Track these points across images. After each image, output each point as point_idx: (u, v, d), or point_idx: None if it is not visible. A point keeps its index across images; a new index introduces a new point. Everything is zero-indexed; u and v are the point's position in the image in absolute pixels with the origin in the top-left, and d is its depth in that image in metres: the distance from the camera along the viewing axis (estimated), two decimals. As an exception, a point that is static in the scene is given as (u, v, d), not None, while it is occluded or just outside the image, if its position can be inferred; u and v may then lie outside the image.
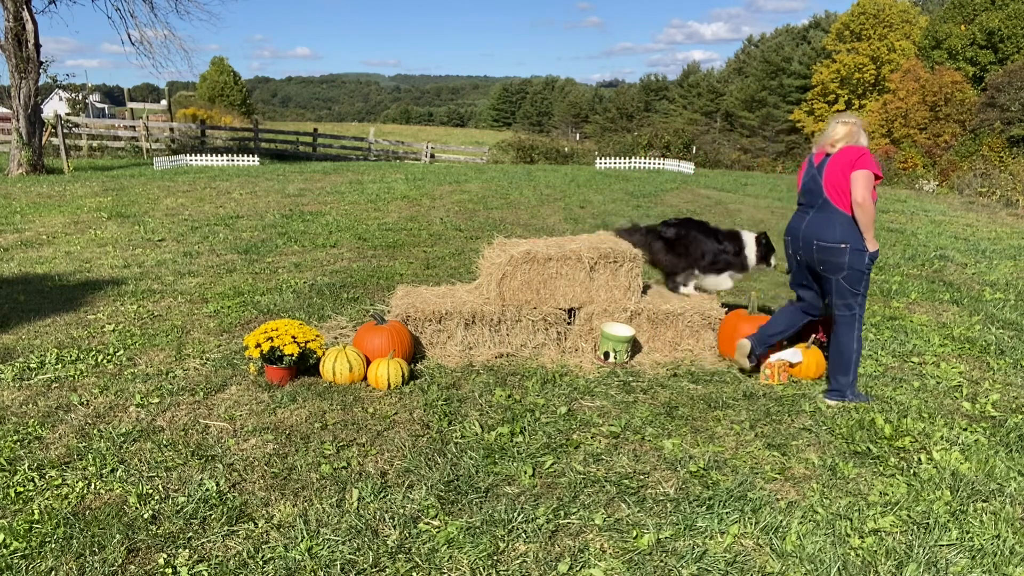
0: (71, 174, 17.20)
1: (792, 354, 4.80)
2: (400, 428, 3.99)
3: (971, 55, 47.62)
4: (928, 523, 3.16)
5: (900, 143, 43.99)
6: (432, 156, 29.20)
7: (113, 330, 5.48)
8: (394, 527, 3.06)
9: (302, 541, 2.93)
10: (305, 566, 2.79)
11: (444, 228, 10.22)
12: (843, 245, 4.20)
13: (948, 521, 3.18)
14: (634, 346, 5.23)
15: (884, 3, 53.45)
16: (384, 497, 3.29)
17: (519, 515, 3.15)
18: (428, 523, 3.10)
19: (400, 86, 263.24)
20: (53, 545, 2.87)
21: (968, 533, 3.10)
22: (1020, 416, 4.33)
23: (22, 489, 3.26)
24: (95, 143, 24.98)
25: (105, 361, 4.84)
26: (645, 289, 5.58)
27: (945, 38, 48.61)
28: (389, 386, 4.47)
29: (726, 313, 5.34)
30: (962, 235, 11.58)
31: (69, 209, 11.08)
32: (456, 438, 3.87)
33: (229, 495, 3.26)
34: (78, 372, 4.63)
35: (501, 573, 2.80)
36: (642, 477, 3.53)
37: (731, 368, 5.00)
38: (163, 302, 6.27)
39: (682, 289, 5.63)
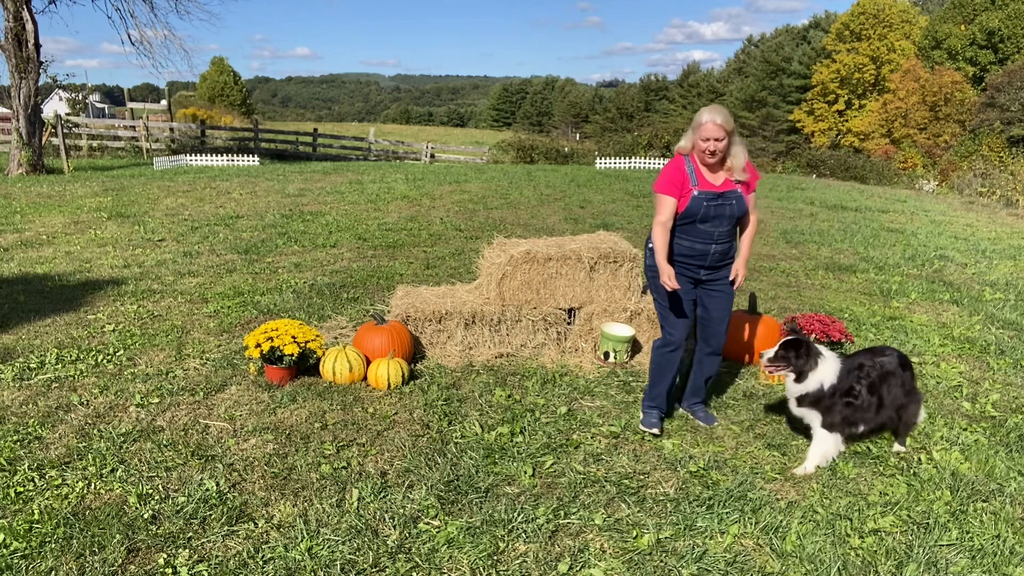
0: (71, 174, 17.20)
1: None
2: (400, 428, 3.99)
3: (971, 55, 47.63)
4: (928, 523, 3.16)
5: (900, 143, 44.02)
6: (432, 156, 29.19)
7: (113, 330, 5.48)
8: (394, 527, 3.06)
9: (302, 541, 2.93)
10: (305, 566, 2.79)
11: (444, 228, 10.22)
12: (650, 245, 3.89)
13: (948, 521, 3.19)
14: (634, 346, 5.23)
15: (884, 3, 53.41)
16: (384, 497, 3.29)
17: (519, 515, 3.15)
18: (428, 523, 3.10)
19: (400, 86, 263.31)
20: (53, 545, 2.87)
21: (968, 533, 3.10)
22: (1020, 416, 4.33)
23: (22, 489, 3.26)
24: (95, 143, 24.96)
25: (105, 361, 4.84)
26: (645, 289, 5.58)
27: (945, 38, 48.62)
28: (389, 386, 4.47)
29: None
30: (962, 235, 11.57)
31: (69, 209, 11.08)
32: (456, 438, 3.87)
33: (229, 495, 3.26)
34: (78, 372, 4.63)
35: (501, 573, 2.80)
36: (642, 477, 3.53)
37: (731, 368, 5.00)
38: (163, 302, 6.27)
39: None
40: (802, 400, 3.68)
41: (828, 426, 3.63)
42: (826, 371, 3.64)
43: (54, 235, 9.10)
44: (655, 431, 3.93)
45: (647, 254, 3.93)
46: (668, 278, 3.68)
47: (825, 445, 3.64)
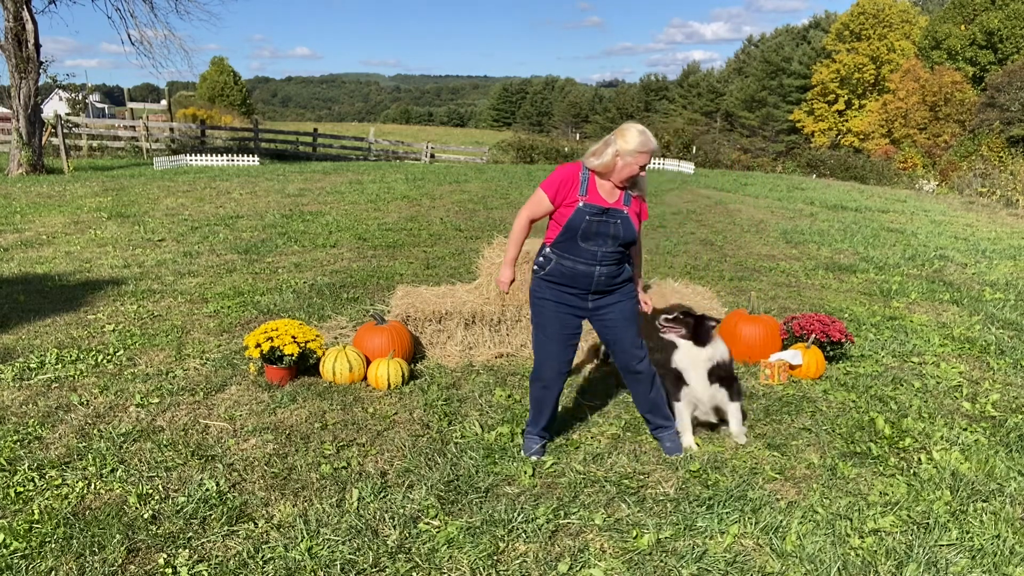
0: (71, 174, 17.20)
1: (792, 355, 4.80)
2: (400, 428, 3.99)
3: (971, 55, 47.62)
4: (928, 523, 3.16)
5: (900, 143, 44.02)
6: (432, 156, 29.19)
7: (113, 330, 5.48)
8: (394, 527, 3.06)
9: (302, 541, 2.93)
10: (305, 566, 2.79)
11: (444, 228, 10.22)
12: (534, 267, 3.63)
13: (948, 521, 3.18)
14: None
15: (884, 3, 53.41)
16: (384, 497, 3.29)
17: (519, 515, 3.15)
18: (428, 523, 3.10)
19: (400, 86, 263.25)
20: (53, 545, 2.87)
21: (968, 533, 3.10)
22: (1020, 416, 4.33)
23: (22, 489, 3.26)
24: (95, 143, 24.97)
25: (105, 361, 4.84)
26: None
27: (945, 38, 48.61)
28: (389, 386, 4.47)
29: (726, 313, 5.34)
30: (962, 235, 11.58)
31: (69, 209, 11.08)
32: (456, 438, 3.87)
33: (229, 495, 3.26)
34: (78, 372, 4.63)
35: (501, 573, 2.80)
36: (642, 477, 3.52)
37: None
38: (163, 302, 6.27)
39: None
40: (714, 373, 3.79)
41: (738, 397, 3.90)
42: (721, 345, 3.85)
43: (54, 235, 9.10)
44: (534, 457, 3.67)
45: (534, 273, 3.60)
46: (504, 280, 3.69)
47: (739, 414, 3.91)
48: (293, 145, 29.18)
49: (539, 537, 3.01)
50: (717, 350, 3.81)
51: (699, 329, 3.79)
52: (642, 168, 3.37)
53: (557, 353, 3.57)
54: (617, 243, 3.44)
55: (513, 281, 3.73)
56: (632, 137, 3.31)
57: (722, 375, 3.80)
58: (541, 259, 3.54)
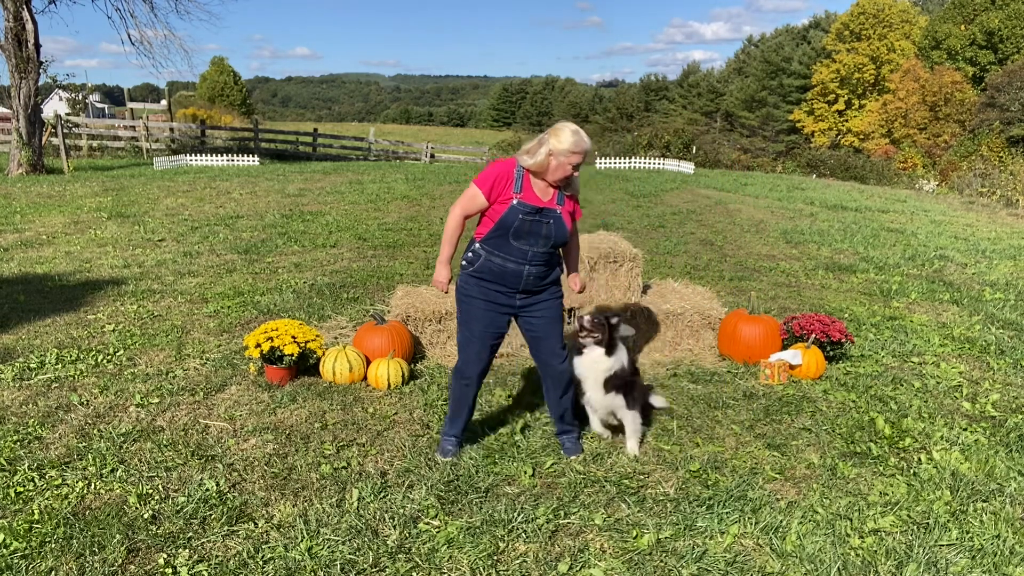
0: (71, 174, 17.20)
1: (792, 355, 4.80)
2: (400, 428, 3.99)
3: (971, 55, 47.60)
4: (928, 523, 3.16)
5: (900, 143, 44.00)
6: (432, 156, 29.20)
7: (113, 330, 5.48)
8: (394, 527, 3.06)
9: (302, 541, 2.93)
10: (305, 566, 2.79)
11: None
12: (463, 262, 3.57)
13: (948, 521, 3.18)
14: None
15: (884, 3, 53.37)
16: (384, 497, 3.29)
17: (519, 515, 3.15)
18: (428, 523, 3.10)
19: (400, 86, 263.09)
20: (53, 545, 2.87)
21: (968, 533, 3.10)
22: (1020, 416, 4.33)
23: (22, 489, 3.26)
24: (95, 143, 24.97)
25: (105, 361, 4.84)
26: (645, 289, 5.58)
27: (945, 38, 48.59)
28: (389, 386, 4.47)
29: (727, 313, 5.34)
30: (962, 235, 11.58)
31: (69, 209, 11.08)
32: (456, 438, 3.87)
33: (229, 495, 3.26)
34: (78, 372, 4.63)
35: (501, 573, 2.80)
36: (642, 477, 3.53)
37: (731, 368, 5.00)
38: (163, 302, 6.27)
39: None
40: (610, 382, 3.73)
41: (635, 406, 3.80)
42: (623, 352, 3.79)
43: (54, 235, 9.10)
44: (449, 458, 3.65)
45: (462, 268, 3.55)
46: (442, 280, 3.60)
47: (638, 422, 3.81)
48: (293, 145, 29.17)
49: (539, 537, 3.01)
50: (619, 359, 3.75)
51: (612, 336, 3.72)
52: (575, 168, 3.31)
53: (479, 352, 3.52)
54: (549, 243, 3.39)
55: (451, 280, 3.65)
56: (566, 137, 3.26)
57: (619, 384, 3.74)
58: (470, 254, 3.48)
